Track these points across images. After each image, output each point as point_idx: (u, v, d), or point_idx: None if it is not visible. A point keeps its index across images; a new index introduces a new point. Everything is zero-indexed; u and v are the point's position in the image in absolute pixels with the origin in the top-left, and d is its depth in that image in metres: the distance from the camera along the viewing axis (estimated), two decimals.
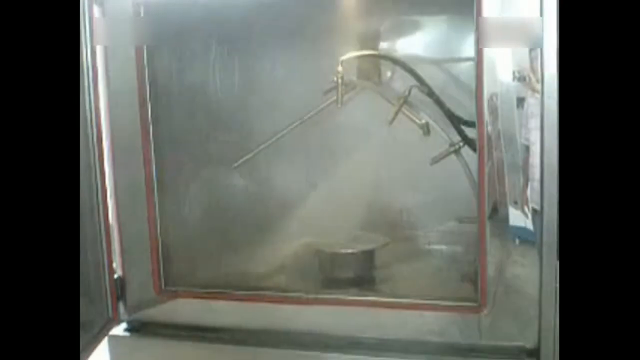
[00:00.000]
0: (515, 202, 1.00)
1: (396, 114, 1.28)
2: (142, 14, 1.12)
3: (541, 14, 0.92)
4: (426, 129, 1.28)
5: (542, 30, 0.92)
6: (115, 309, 1.17)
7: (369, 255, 1.30)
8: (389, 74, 1.42)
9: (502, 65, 0.97)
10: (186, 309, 1.17)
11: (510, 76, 0.97)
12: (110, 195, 1.16)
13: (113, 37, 1.11)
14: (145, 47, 1.12)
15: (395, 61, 1.37)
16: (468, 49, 1.03)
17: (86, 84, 1.10)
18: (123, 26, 1.11)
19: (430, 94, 1.29)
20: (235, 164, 1.40)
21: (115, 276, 1.17)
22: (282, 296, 1.15)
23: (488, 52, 0.96)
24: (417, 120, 1.29)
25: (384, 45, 1.43)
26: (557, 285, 0.96)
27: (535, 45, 0.93)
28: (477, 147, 1.00)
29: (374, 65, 1.41)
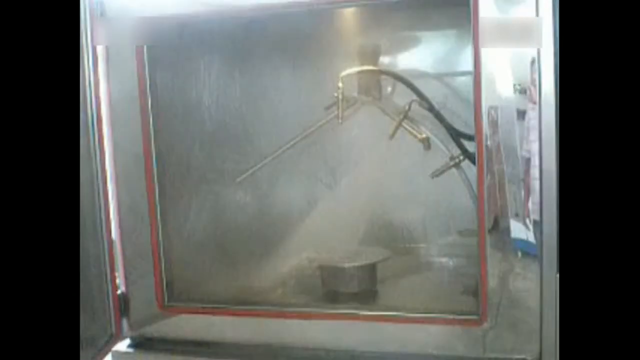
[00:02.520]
0: (517, 215, 1.00)
1: (397, 128, 1.29)
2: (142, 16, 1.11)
3: (537, 15, 0.93)
4: (427, 143, 1.29)
5: (541, 32, 0.92)
6: (119, 324, 1.17)
7: (371, 269, 1.30)
8: (389, 89, 1.43)
9: (502, 78, 0.97)
10: (189, 325, 1.17)
11: (511, 89, 0.97)
12: (113, 212, 1.16)
13: (113, 37, 1.11)
14: (147, 62, 1.13)
15: (395, 76, 1.38)
16: (468, 63, 1.03)
17: (87, 94, 1.09)
18: (123, 27, 1.11)
19: (430, 108, 1.29)
20: (238, 179, 1.40)
21: (118, 292, 1.17)
22: (285, 311, 1.15)
23: (487, 65, 0.96)
24: (417, 135, 1.30)
25: (384, 60, 1.44)
26: (557, 297, 0.96)
27: (533, 47, 0.93)
28: (476, 160, 1.01)
29: (374, 81, 1.41)
